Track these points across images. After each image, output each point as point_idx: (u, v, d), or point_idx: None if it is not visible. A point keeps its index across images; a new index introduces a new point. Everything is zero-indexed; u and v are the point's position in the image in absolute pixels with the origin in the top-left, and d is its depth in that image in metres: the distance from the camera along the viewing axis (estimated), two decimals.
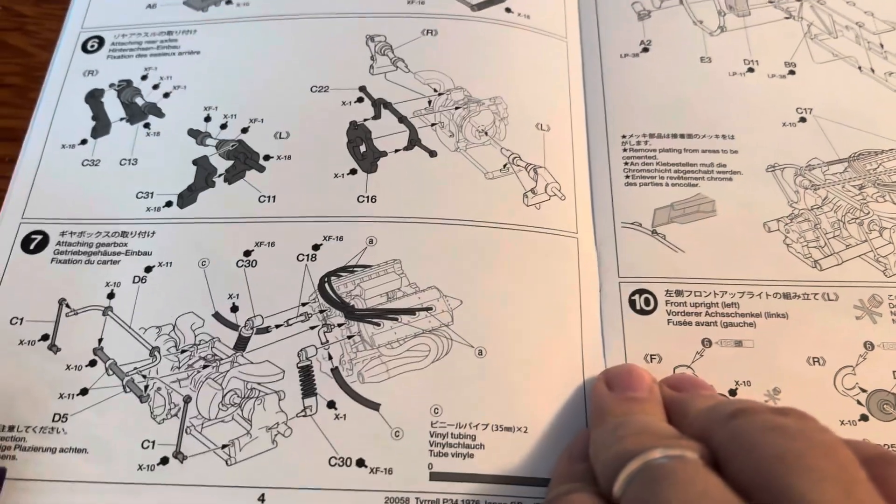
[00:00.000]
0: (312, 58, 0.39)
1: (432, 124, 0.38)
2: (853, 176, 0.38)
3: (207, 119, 0.38)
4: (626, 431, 0.26)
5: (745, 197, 0.38)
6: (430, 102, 0.38)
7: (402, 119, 0.38)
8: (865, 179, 0.38)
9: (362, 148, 0.37)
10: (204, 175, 0.37)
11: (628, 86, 0.40)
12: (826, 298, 0.35)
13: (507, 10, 0.41)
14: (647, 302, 0.35)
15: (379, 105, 0.38)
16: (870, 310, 0.35)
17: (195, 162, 0.37)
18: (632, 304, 0.35)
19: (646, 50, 0.41)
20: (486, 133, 0.38)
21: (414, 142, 0.37)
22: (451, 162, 0.37)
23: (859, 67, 0.42)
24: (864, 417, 0.33)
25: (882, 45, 0.42)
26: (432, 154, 0.37)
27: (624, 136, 0.39)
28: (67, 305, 0.34)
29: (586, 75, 0.41)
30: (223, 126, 0.38)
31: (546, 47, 0.40)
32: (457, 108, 0.38)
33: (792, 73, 0.41)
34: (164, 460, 0.31)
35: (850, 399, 0.33)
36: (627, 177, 0.38)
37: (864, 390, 0.34)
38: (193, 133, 0.38)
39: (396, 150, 0.37)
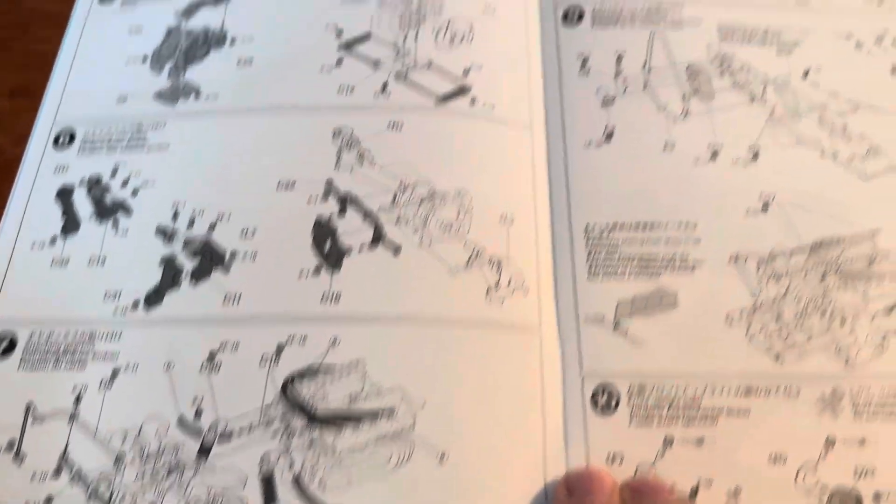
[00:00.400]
0: (280, 152, 0.40)
1: (397, 219, 0.38)
2: (816, 265, 0.39)
3: (175, 216, 0.39)
4: None
5: (707, 288, 0.38)
6: (394, 197, 0.39)
7: (367, 215, 0.38)
8: (828, 268, 0.38)
9: (327, 245, 0.37)
10: (171, 274, 0.37)
11: (592, 174, 0.41)
12: (787, 393, 0.36)
13: (472, 101, 0.41)
14: (609, 399, 0.36)
15: (344, 200, 0.39)
16: (831, 404, 0.35)
17: (163, 261, 0.38)
18: (594, 401, 0.36)
19: (609, 137, 0.42)
20: (451, 227, 0.38)
21: (378, 238, 0.38)
22: (415, 258, 0.37)
23: (822, 151, 0.42)
24: None
25: (845, 128, 0.43)
26: (396, 250, 0.37)
27: (587, 227, 0.39)
28: (34, 411, 0.35)
29: (551, 164, 0.41)
30: (191, 223, 0.38)
31: (510, 137, 0.41)
32: (421, 202, 0.38)
33: (755, 157, 0.41)
34: None
35: (813, 497, 0.34)
36: (590, 269, 0.39)
37: (825, 487, 0.34)
38: (161, 230, 0.38)
39: (361, 247, 0.37)
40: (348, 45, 0.43)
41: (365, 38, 0.43)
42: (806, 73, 0.44)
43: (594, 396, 0.36)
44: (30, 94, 0.44)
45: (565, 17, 0.46)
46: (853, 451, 0.35)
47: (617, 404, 0.35)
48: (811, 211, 0.40)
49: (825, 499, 0.34)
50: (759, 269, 0.38)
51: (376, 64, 0.42)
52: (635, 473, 0.34)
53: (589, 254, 0.39)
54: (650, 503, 0.31)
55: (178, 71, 0.43)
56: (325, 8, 0.44)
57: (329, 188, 0.39)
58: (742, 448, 0.35)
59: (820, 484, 0.34)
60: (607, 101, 0.43)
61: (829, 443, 0.35)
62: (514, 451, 0.34)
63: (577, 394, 0.36)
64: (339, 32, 0.43)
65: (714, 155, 0.41)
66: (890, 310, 0.38)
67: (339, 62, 0.42)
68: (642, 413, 0.35)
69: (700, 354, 0.36)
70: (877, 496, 0.34)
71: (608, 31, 0.45)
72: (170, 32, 0.45)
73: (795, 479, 0.34)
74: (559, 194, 0.40)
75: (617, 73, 0.43)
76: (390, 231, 0.38)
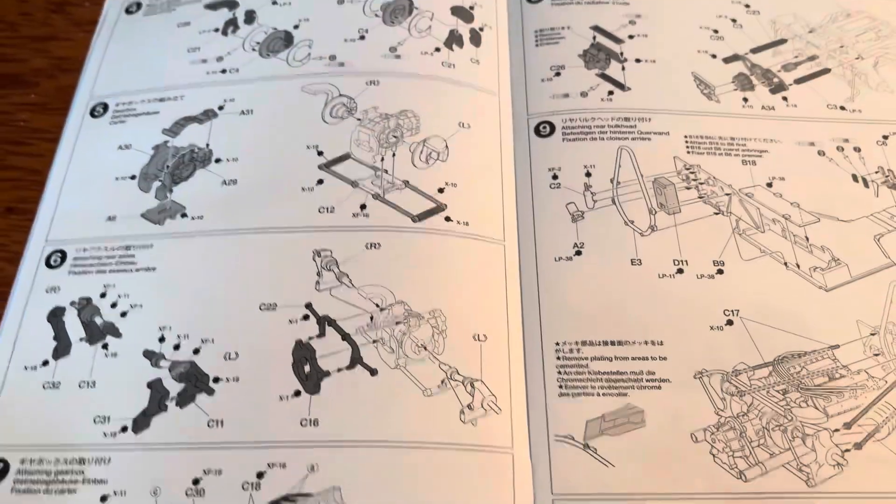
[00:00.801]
0: (262, 274, 0.42)
1: (374, 341, 0.40)
2: (778, 381, 0.40)
3: (162, 339, 0.40)
4: None
5: (673, 406, 0.39)
6: (372, 318, 0.40)
7: (345, 337, 0.40)
8: (789, 384, 0.40)
9: (307, 368, 0.39)
10: (157, 398, 0.39)
11: (562, 290, 0.42)
12: None
13: (447, 218, 0.43)
14: None
15: (324, 323, 0.40)
16: None
17: (149, 385, 0.39)
18: None
19: (579, 253, 0.43)
20: (426, 348, 0.40)
21: (356, 360, 0.39)
22: (391, 380, 0.39)
23: (785, 263, 0.44)
24: None
25: (807, 238, 0.44)
26: (373, 373, 0.39)
27: (557, 344, 0.41)
28: None
29: (523, 280, 0.43)
30: (176, 347, 0.40)
31: (484, 253, 0.43)
32: (397, 324, 0.40)
33: (720, 272, 0.43)
34: None
35: None
36: (561, 387, 0.40)
37: None
38: (148, 354, 0.40)
39: (339, 370, 0.39)
40: (329, 166, 0.45)
41: (344, 158, 0.45)
42: (770, 183, 0.46)
43: None
44: (25, 212, 0.46)
45: (537, 131, 0.48)
46: None
47: None
48: (773, 326, 0.41)
49: None
50: (722, 385, 0.40)
51: (355, 184, 0.44)
52: None
53: (559, 371, 0.40)
54: None
55: (164, 190, 0.45)
56: (307, 128, 0.46)
57: (309, 310, 0.41)
58: None
59: None
60: (577, 217, 0.45)
61: None
62: None
63: None
64: (320, 153, 0.45)
65: (680, 271, 0.43)
66: (849, 426, 0.39)
67: (320, 182, 0.44)
68: None
69: (666, 473, 0.38)
70: None
71: (578, 145, 0.47)
72: (157, 150, 0.46)
73: None
74: (531, 310, 0.42)
75: (586, 188, 0.45)
76: (367, 353, 0.40)
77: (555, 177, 0.46)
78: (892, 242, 0.45)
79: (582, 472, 0.38)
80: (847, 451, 0.38)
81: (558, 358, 0.41)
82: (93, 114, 0.49)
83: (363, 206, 0.43)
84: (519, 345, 0.41)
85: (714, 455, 0.38)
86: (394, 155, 0.45)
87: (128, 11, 0.54)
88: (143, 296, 0.42)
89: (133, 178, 0.46)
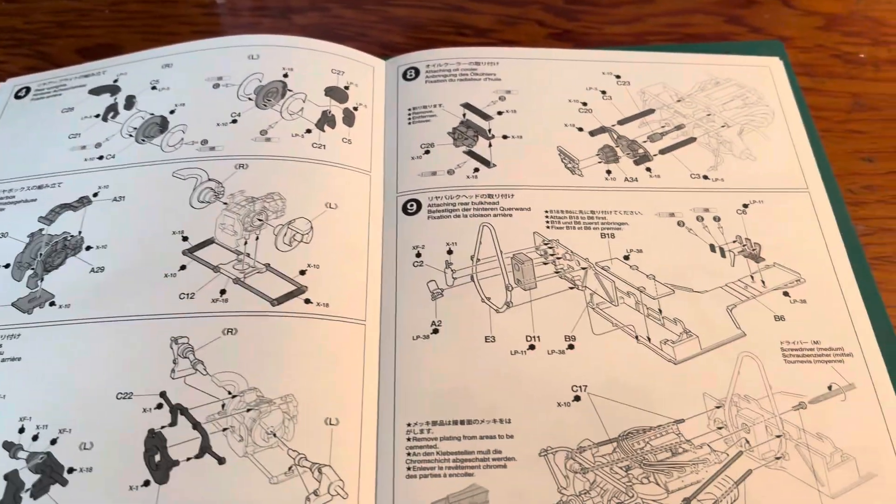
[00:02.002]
0: (121, 362, 0.43)
1: (224, 429, 0.41)
2: (621, 457, 0.41)
3: (21, 430, 0.41)
4: None
5: (517, 485, 0.40)
6: (223, 406, 0.41)
7: (195, 426, 0.41)
8: (632, 460, 0.41)
9: (157, 457, 0.40)
10: (13, 491, 0.40)
11: (418, 370, 0.44)
12: None
13: (307, 301, 0.44)
14: None
15: (176, 411, 0.41)
16: None
17: (6, 477, 0.40)
18: None
19: (436, 331, 0.45)
20: (275, 434, 0.41)
21: (205, 449, 0.40)
22: (239, 468, 0.40)
23: (636, 336, 0.45)
24: None
25: (660, 311, 0.46)
26: (221, 461, 0.40)
27: (409, 425, 0.42)
28: None
29: (381, 359, 0.44)
30: (35, 437, 0.41)
31: (343, 334, 0.44)
32: (248, 411, 0.41)
33: (571, 347, 0.44)
34: None
35: None
36: (409, 468, 0.41)
37: None
38: (7, 446, 0.41)
39: (188, 459, 0.40)
40: (192, 251, 0.46)
41: (208, 243, 0.46)
42: (627, 256, 0.47)
43: None
44: None
45: (405, 209, 0.49)
46: None
47: None
48: (620, 401, 0.43)
49: None
50: (567, 463, 0.41)
51: (217, 269, 0.45)
52: None
53: (409, 452, 0.41)
54: None
55: (36, 278, 0.46)
56: (175, 213, 0.47)
57: (163, 399, 0.42)
58: None
59: None
60: (436, 295, 0.46)
61: None
62: None
63: None
64: (185, 238, 0.46)
65: (531, 347, 0.44)
66: (688, 502, 0.40)
67: (183, 268, 0.45)
68: None
69: None
70: None
71: (442, 222, 0.48)
72: (32, 238, 0.48)
73: None
74: (387, 391, 0.43)
75: (447, 265, 0.47)
76: (217, 441, 0.41)
77: (418, 255, 0.47)
78: (744, 313, 0.46)
79: None
80: None
81: (409, 439, 0.42)
82: None
83: (223, 292, 0.44)
84: (372, 426, 0.42)
85: None
86: (257, 238, 0.46)
87: (17, 96, 0.55)
88: (7, 387, 0.43)
89: (7, 266, 0.47)
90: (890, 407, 0.43)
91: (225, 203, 0.48)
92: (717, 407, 0.43)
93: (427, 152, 0.51)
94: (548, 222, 0.48)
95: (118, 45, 0.60)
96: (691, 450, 0.41)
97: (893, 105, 0.57)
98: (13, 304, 0.46)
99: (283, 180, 0.48)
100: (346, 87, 0.53)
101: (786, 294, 0.47)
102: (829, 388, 0.43)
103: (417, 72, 0.55)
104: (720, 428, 0.42)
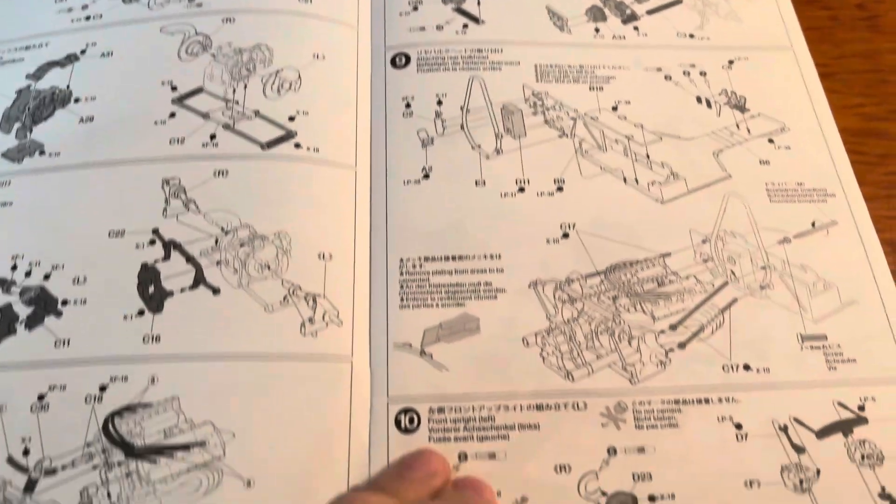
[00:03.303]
0: (113, 204, 0.43)
1: (217, 262, 0.41)
2: (608, 287, 0.42)
3: (14, 268, 0.41)
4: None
5: (507, 314, 0.41)
6: (216, 241, 0.42)
7: (189, 259, 0.41)
8: (619, 291, 0.42)
9: (151, 289, 0.40)
10: (6, 322, 0.40)
11: (409, 211, 0.44)
12: (576, 408, 0.39)
13: (297, 145, 0.45)
14: (411, 421, 0.39)
15: (169, 247, 0.42)
16: (615, 417, 0.39)
17: None
18: (397, 423, 0.39)
19: (427, 176, 0.45)
20: (269, 267, 0.41)
21: (199, 280, 0.41)
22: (234, 298, 0.40)
23: (624, 179, 0.45)
24: None
25: (648, 156, 0.46)
26: (215, 291, 0.40)
27: (402, 261, 0.43)
28: None
29: (373, 202, 0.44)
30: (27, 274, 0.41)
31: (334, 177, 0.44)
32: (242, 246, 0.42)
33: (560, 189, 0.45)
34: None
35: (592, 502, 0.37)
36: (402, 299, 0.42)
37: (604, 493, 0.37)
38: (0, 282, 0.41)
39: (182, 290, 0.40)
40: (181, 100, 0.46)
41: (197, 91, 0.46)
42: (615, 107, 0.48)
43: (398, 419, 0.39)
44: None
45: (393, 62, 0.49)
46: (632, 459, 0.38)
47: (418, 425, 0.38)
48: (608, 237, 0.43)
49: (604, 502, 0.37)
50: (555, 294, 0.42)
51: (206, 116, 0.45)
52: None
53: (402, 286, 0.42)
54: (467, 497, 0.34)
55: (25, 130, 0.46)
56: (163, 66, 0.47)
57: (156, 235, 0.42)
58: (530, 460, 0.38)
59: (600, 490, 0.37)
60: (427, 143, 0.46)
61: (611, 452, 0.38)
62: (320, 473, 0.37)
63: (382, 416, 0.39)
64: (174, 88, 0.46)
65: (521, 189, 0.45)
66: (674, 327, 0.41)
67: (172, 116, 0.45)
68: (440, 432, 0.38)
69: (497, 376, 0.39)
70: (651, 498, 0.37)
71: (431, 76, 0.48)
72: (20, 93, 0.47)
73: (578, 487, 0.37)
74: (379, 231, 0.44)
75: (437, 115, 0.47)
76: (211, 274, 0.41)
77: (408, 105, 0.47)
78: (730, 158, 0.46)
79: (417, 377, 0.40)
80: (670, 350, 0.40)
81: (402, 273, 0.42)
82: None
83: (213, 136, 0.45)
84: (365, 262, 0.43)
85: (544, 358, 0.40)
86: (245, 87, 0.46)
87: None
88: None
89: None
90: (870, 240, 0.44)
91: (213, 55, 0.47)
92: (704, 242, 0.43)
93: (415, 8, 0.51)
94: (537, 76, 0.49)
95: None
96: (677, 281, 0.42)
97: None
98: (3, 155, 0.45)
99: (270, 33, 0.48)
100: None
101: (771, 141, 0.47)
102: (813, 224, 0.44)
103: None
104: (706, 261, 0.43)
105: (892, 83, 0.50)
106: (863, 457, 0.38)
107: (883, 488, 0.37)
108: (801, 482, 0.37)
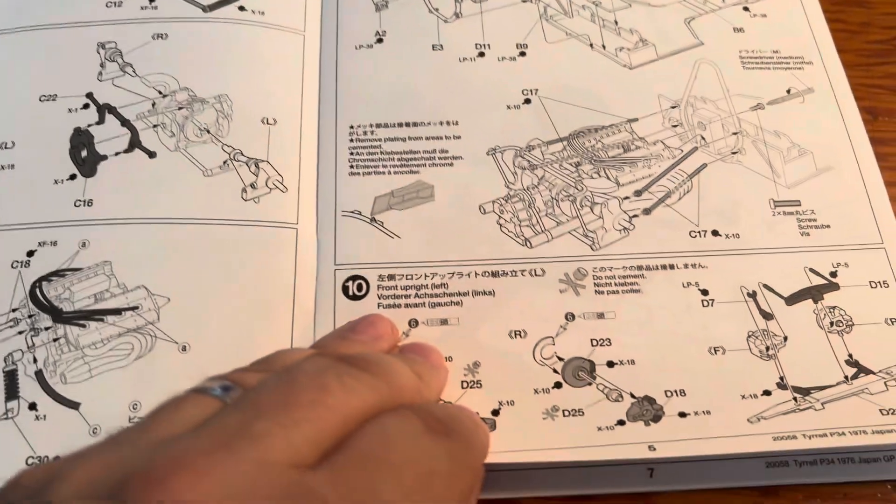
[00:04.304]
0: (44, 68, 0.40)
1: (154, 126, 0.39)
2: (571, 154, 0.40)
3: None
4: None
5: (463, 181, 0.39)
6: (153, 105, 0.39)
7: (124, 122, 0.39)
8: (582, 157, 0.39)
9: (84, 153, 0.38)
10: None
11: (360, 77, 0.41)
12: (533, 274, 0.37)
13: (241, 8, 0.42)
14: (359, 288, 0.36)
15: (103, 110, 0.39)
16: (574, 283, 0.37)
17: None
18: (345, 290, 0.36)
19: (380, 41, 0.42)
20: (209, 131, 0.39)
21: (134, 144, 0.38)
22: (170, 162, 0.38)
23: (591, 45, 0.43)
24: (557, 385, 0.34)
25: (616, 22, 0.43)
26: (151, 155, 0.38)
27: (352, 127, 0.40)
28: None
29: (322, 68, 0.42)
30: None
31: (280, 42, 0.41)
32: (180, 109, 0.39)
33: (523, 54, 0.42)
34: None
35: (547, 368, 0.35)
36: (352, 166, 0.39)
37: (561, 359, 0.35)
38: None
39: (117, 153, 0.38)
40: None
41: None
42: None
43: (345, 285, 0.37)
44: None
45: None
46: (591, 325, 0.36)
47: (367, 292, 0.36)
48: (572, 103, 0.41)
49: (560, 367, 0.35)
50: (515, 161, 0.39)
51: None
52: None
53: (351, 152, 0.40)
54: (410, 359, 0.32)
55: None
56: None
57: (90, 99, 0.39)
58: (484, 326, 0.36)
59: (556, 356, 0.35)
60: (381, 6, 0.43)
61: (569, 318, 0.36)
62: (261, 338, 0.35)
63: (329, 283, 0.37)
64: None
65: (481, 55, 0.42)
66: (639, 193, 0.39)
67: None
68: (390, 298, 0.36)
69: (451, 244, 0.37)
70: (610, 363, 0.35)
71: None
72: None
73: (533, 352, 0.35)
74: (328, 97, 0.41)
75: None
76: (147, 137, 0.38)
77: None
78: (702, 25, 0.44)
79: (366, 244, 0.37)
80: (635, 216, 0.38)
81: (351, 140, 0.40)
82: None
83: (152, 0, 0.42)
84: (313, 129, 0.40)
85: (501, 225, 0.38)
86: None
87: None
88: None
89: None
90: (849, 108, 0.41)
91: None
92: (673, 107, 0.41)
93: None
94: None
95: None
96: (644, 146, 0.40)
97: None
98: None
99: None
100: None
101: (746, 9, 0.45)
102: (788, 91, 0.42)
103: None
104: (675, 126, 0.41)
105: None
106: (832, 323, 0.36)
107: (850, 355, 0.35)
108: (766, 349, 0.35)
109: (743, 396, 0.34)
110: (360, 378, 0.25)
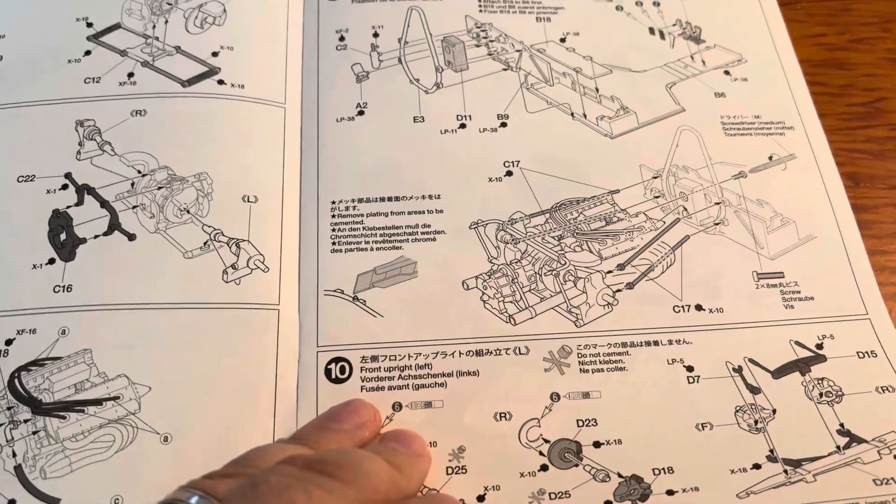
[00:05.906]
0: (22, 148, 0.40)
1: (133, 207, 0.38)
2: (553, 227, 0.39)
3: None
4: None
5: (446, 256, 0.39)
6: (133, 184, 0.39)
7: (103, 204, 0.38)
8: (565, 230, 0.39)
9: (62, 236, 0.38)
10: None
11: (342, 150, 0.41)
12: (517, 353, 0.37)
13: (220, 81, 0.42)
14: (342, 370, 0.36)
15: (82, 191, 0.39)
16: (558, 361, 0.36)
17: None
18: (328, 373, 0.36)
19: (361, 113, 0.42)
20: (188, 211, 0.38)
21: (114, 226, 0.38)
22: (150, 244, 0.38)
23: (572, 114, 0.43)
24: (544, 468, 0.34)
25: (597, 90, 0.43)
26: (131, 237, 0.38)
27: (333, 203, 0.40)
28: None
29: (304, 141, 0.42)
30: None
31: (260, 116, 0.41)
32: (159, 189, 0.39)
33: (504, 125, 0.42)
34: None
35: (533, 451, 0.35)
36: (334, 243, 0.39)
37: (546, 441, 0.35)
38: None
39: (96, 236, 0.38)
40: (97, 36, 0.43)
41: (114, 28, 0.43)
42: (563, 38, 0.45)
43: (328, 367, 0.36)
44: None
45: None
46: (576, 405, 0.35)
47: (350, 374, 0.36)
48: (554, 175, 0.41)
49: (546, 449, 0.34)
50: (498, 235, 0.39)
51: (124, 53, 0.42)
52: None
53: (333, 228, 0.39)
54: (391, 449, 0.32)
55: None
56: (76, 0, 0.44)
57: (68, 179, 0.39)
58: (469, 408, 0.35)
59: (542, 437, 0.35)
60: (362, 77, 0.43)
61: (554, 398, 0.36)
62: (243, 426, 0.34)
63: (311, 365, 0.36)
64: (90, 24, 0.43)
65: (462, 126, 0.42)
66: (622, 267, 0.39)
67: (88, 53, 0.42)
68: (373, 381, 0.36)
69: (435, 321, 0.37)
70: (596, 444, 0.35)
71: (366, 6, 0.45)
72: None
73: (519, 435, 0.35)
74: (310, 170, 0.41)
75: (373, 48, 0.44)
76: (126, 219, 0.38)
77: (342, 38, 0.44)
78: (684, 90, 0.44)
79: (349, 325, 0.37)
80: (619, 291, 0.38)
81: (333, 216, 0.40)
82: None
83: (130, 75, 0.42)
84: (294, 205, 0.40)
85: (484, 301, 0.38)
86: (167, 22, 0.43)
87: None
88: None
89: None
90: (830, 174, 0.42)
91: None
92: (655, 177, 0.41)
93: None
94: (480, 6, 0.46)
95: None
96: (626, 218, 0.40)
97: None
98: None
99: None
100: None
101: (727, 73, 0.45)
102: (770, 158, 0.42)
103: None
104: (657, 197, 0.40)
105: (855, 12, 0.48)
106: (821, 394, 0.36)
107: (842, 424, 0.35)
108: (755, 422, 0.35)
109: (732, 471, 0.34)
110: (331, 488, 0.25)
